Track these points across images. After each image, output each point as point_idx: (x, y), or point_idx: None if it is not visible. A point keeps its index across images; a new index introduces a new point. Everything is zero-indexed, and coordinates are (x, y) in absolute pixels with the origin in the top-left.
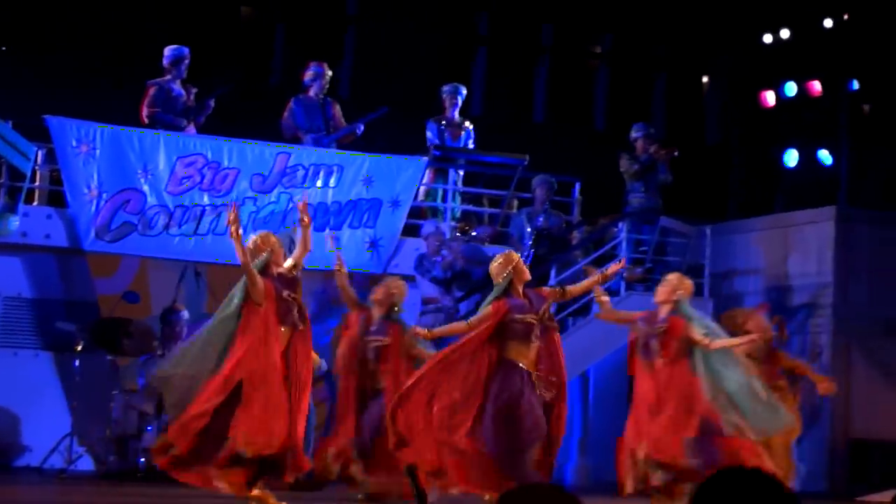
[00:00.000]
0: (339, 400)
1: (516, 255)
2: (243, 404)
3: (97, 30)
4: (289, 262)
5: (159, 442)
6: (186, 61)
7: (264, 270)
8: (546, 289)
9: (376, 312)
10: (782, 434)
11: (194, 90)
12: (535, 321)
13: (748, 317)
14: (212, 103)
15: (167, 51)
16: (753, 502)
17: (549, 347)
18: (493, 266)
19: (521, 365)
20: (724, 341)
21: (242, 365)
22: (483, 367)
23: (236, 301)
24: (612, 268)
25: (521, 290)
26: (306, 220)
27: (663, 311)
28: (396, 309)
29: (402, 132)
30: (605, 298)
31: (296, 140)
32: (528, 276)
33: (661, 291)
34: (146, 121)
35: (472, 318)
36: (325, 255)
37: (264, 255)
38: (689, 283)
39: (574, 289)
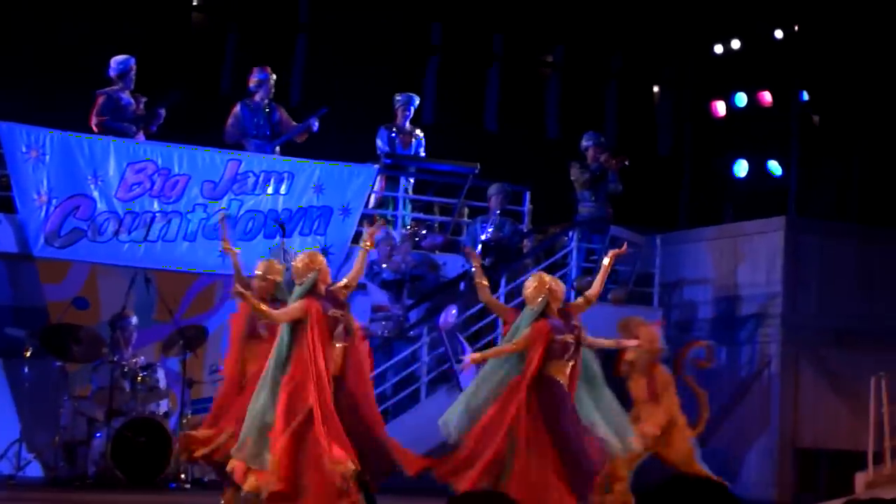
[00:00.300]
0: None
1: (548, 277)
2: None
3: (47, 34)
4: (342, 282)
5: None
6: (133, 72)
7: (312, 289)
8: (573, 303)
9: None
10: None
11: (144, 100)
12: (572, 340)
13: (640, 326)
14: (163, 112)
15: (113, 62)
16: None
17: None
18: (528, 291)
19: (560, 381)
20: (601, 340)
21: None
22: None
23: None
24: (619, 251)
25: (556, 310)
26: (369, 244)
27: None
28: None
29: (354, 140)
30: (485, 283)
31: (239, 146)
32: (562, 295)
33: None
34: (95, 129)
35: (518, 339)
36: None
37: (311, 274)
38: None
39: (594, 291)
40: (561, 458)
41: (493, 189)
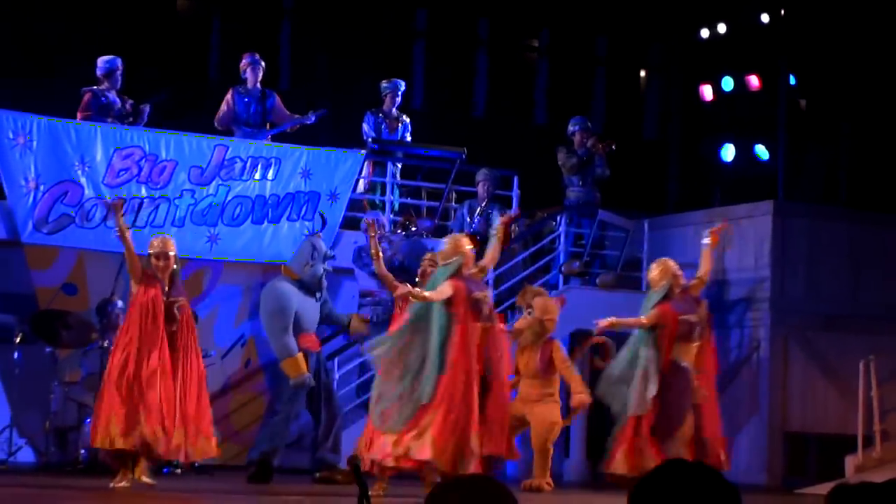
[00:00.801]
0: None
1: (672, 262)
2: None
3: (32, 22)
4: (479, 265)
5: None
6: (119, 71)
7: (457, 272)
8: (691, 284)
9: None
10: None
11: (130, 101)
12: (696, 320)
13: (537, 296)
14: (147, 109)
15: (100, 62)
16: (693, 495)
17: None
18: (653, 274)
19: (683, 364)
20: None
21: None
22: None
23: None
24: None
25: (677, 292)
26: (502, 236)
27: None
28: None
29: (341, 125)
30: (380, 255)
31: (229, 132)
32: (683, 277)
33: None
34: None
35: (651, 314)
36: (263, 249)
37: (456, 258)
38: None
39: (705, 269)
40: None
41: (480, 175)
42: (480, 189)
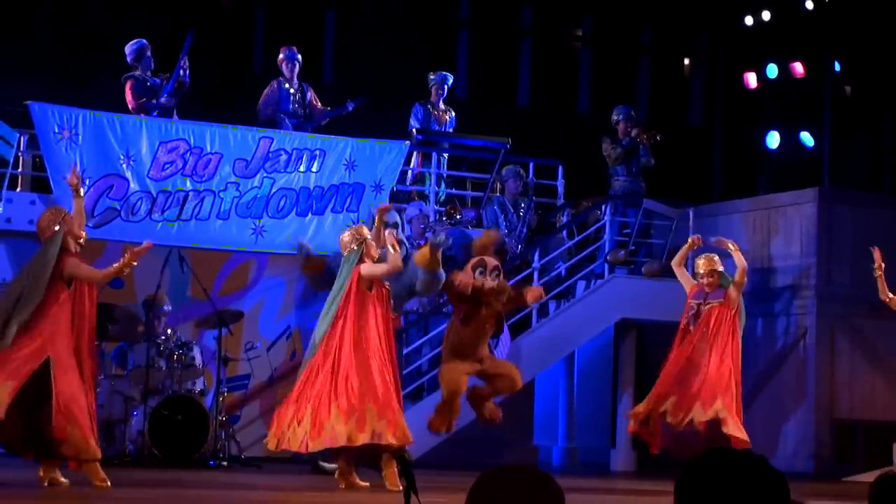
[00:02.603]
0: None
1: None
2: None
3: (78, 15)
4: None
5: None
6: (148, 51)
7: (360, 261)
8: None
9: None
10: None
11: (167, 76)
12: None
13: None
14: (183, 62)
15: (127, 48)
16: (740, 483)
17: None
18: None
19: None
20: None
21: None
22: None
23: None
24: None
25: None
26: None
27: None
28: None
29: (384, 116)
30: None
31: (272, 122)
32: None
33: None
34: (137, 112)
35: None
36: (308, 241)
37: (356, 247)
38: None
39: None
40: None
41: (506, 172)
42: (509, 186)
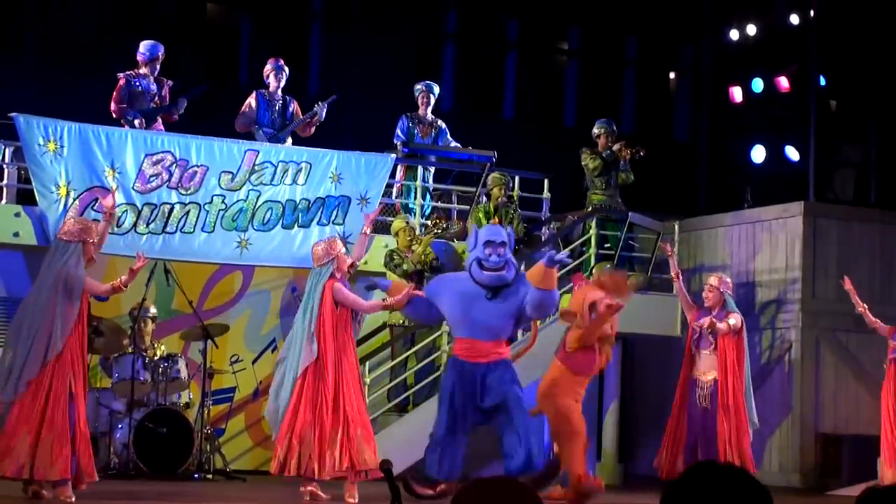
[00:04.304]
0: None
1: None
2: None
3: (63, 27)
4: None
5: None
6: (159, 60)
7: (332, 275)
8: None
9: None
10: None
11: (170, 83)
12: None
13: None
14: (184, 102)
15: (144, 47)
16: (725, 497)
17: None
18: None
19: None
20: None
21: None
22: None
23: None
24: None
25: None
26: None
27: None
28: None
29: (371, 129)
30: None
31: (249, 136)
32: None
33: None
34: (114, 115)
35: None
36: (294, 254)
37: (329, 260)
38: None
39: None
40: None
41: (490, 181)
42: (496, 193)
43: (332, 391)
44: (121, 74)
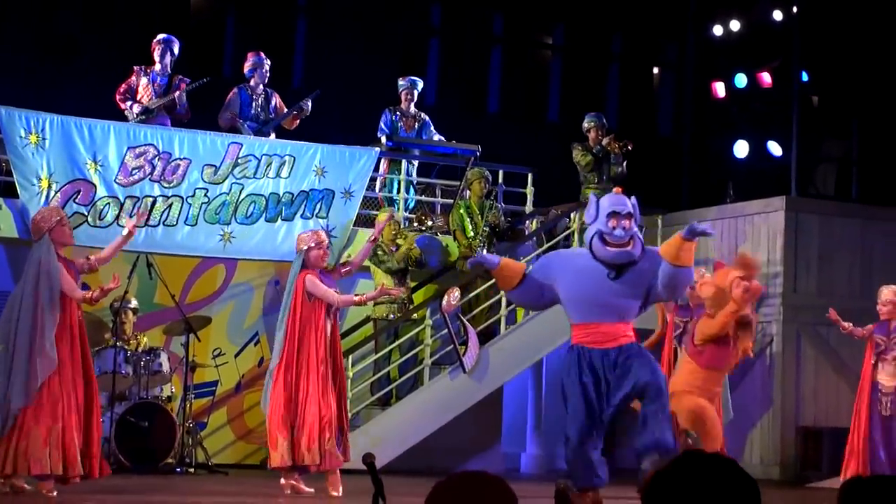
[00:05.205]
0: None
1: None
2: None
3: (46, 20)
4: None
5: None
6: (170, 54)
7: (305, 265)
8: None
9: None
10: None
11: (181, 78)
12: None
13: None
14: (184, 97)
15: (164, 43)
16: (711, 487)
17: None
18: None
19: None
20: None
21: None
22: None
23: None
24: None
25: None
26: (374, 239)
27: None
28: None
29: (355, 122)
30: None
31: (234, 130)
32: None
33: None
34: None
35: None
36: (277, 247)
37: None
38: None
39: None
40: None
41: (471, 175)
42: (474, 188)
43: (297, 384)
44: (139, 67)
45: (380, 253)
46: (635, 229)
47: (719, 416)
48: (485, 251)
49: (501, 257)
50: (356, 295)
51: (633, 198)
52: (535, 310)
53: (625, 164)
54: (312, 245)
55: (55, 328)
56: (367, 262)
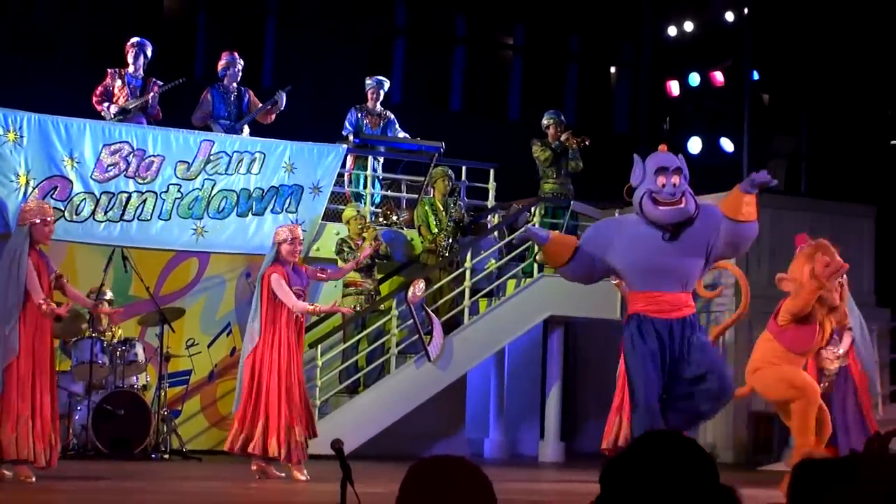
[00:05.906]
0: None
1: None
2: None
3: (21, 17)
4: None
5: None
6: (143, 56)
7: (277, 259)
8: None
9: None
10: None
11: (154, 81)
12: None
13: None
14: (156, 93)
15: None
16: (670, 466)
17: None
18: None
19: None
20: None
21: None
22: None
23: None
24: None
25: None
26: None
27: None
28: None
29: (323, 120)
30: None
31: (207, 129)
32: None
33: None
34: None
35: None
36: (248, 241)
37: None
38: None
39: None
40: None
41: (435, 173)
42: (438, 187)
43: (257, 376)
44: (113, 70)
45: (346, 248)
46: (686, 185)
47: None
48: (449, 244)
49: (552, 231)
50: (311, 304)
51: (679, 155)
52: (588, 283)
53: (580, 159)
54: (287, 239)
55: (19, 315)
56: (333, 256)
